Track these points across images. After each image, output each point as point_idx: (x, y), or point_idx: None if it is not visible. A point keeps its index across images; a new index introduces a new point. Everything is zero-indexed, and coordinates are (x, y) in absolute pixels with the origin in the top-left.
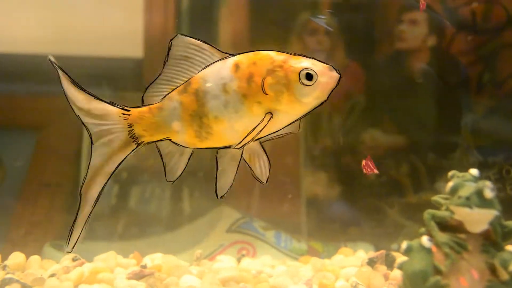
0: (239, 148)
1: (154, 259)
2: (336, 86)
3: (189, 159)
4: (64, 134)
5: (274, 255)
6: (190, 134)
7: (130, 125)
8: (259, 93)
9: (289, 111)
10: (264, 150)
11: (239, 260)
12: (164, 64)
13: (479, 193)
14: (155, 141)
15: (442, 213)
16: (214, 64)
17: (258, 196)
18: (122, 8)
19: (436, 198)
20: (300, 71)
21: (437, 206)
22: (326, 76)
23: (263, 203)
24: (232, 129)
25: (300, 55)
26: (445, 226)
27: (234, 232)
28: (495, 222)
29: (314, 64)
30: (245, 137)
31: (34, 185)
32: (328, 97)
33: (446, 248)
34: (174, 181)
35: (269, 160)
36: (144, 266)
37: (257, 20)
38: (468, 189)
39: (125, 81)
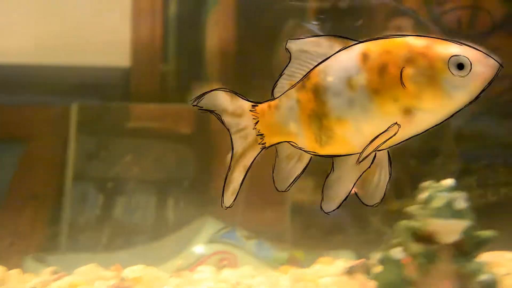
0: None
1: (134, 271)
2: (494, 78)
3: (305, 168)
4: (49, 145)
5: (255, 265)
6: (310, 137)
7: (257, 121)
8: (396, 87)
9: (434, 109)
10: (390, 160)
11: (219, 270)
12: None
13: (451, 204)
14: (277, 143)
15: (415, 223)
16: (337, 54)
17: (242, 204)
18: (109, 16)
19: (410, 208)
20: (450, 58)
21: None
22: (482, 65)
23: (247, 212)
24: (358, 132)
25: (444, 39)
26: (418, 236)
27: (216, 242)
28: (467, 233)
29: (465, 49)
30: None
31: (17, 196)
32: (483, 91)
33: (418, 259)
34: (285, 190)
35: (390, 174)
36: (123, 279)
37: (245, 27)
38: (440, 200)
39: (112, 91)
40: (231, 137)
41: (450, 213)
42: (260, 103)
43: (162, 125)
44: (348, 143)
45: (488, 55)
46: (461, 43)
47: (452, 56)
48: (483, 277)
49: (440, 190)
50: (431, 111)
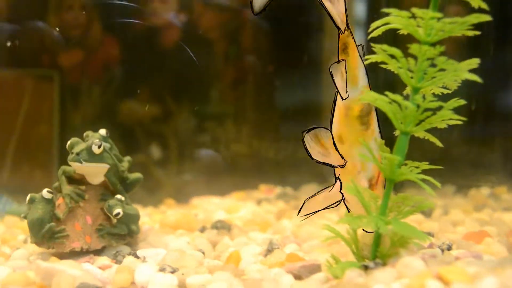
0: None
1: None
2: None
3: None
4: None
5: None
6: None
7: None
8: None
9: None
10: None
11: None
12: None
13: (89, 149)
14: None
15: (70, 168)
16: None
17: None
18: None
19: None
20: None
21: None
22: None
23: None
24: None
25: None
26: (72, 179)
27: None
28: (109, 175)
29: None
30: None
31: None
32: None
33: (67, 199)
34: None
35: None
36: None
37: None
38: (80, 146)
39: None
40: None
41: (88, 157)
42: None
43: None
44: None
45: None
46: None
47: None
48: (117, 210)
49: (90, 137)
50: None
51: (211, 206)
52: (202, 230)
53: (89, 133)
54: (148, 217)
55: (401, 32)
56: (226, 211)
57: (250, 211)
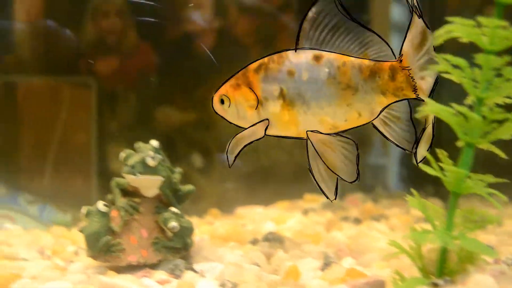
0: None
1: None
2: None
3: None
4: None
5: (37, 226)
6: None
7: None
8: None
9: None
10: None
11: None
12: None
13: (143, 161)
14: None
15: (123, 180)
16: None
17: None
18: None
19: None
20: None
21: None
22: None
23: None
24: None
25: None
26: (126, 192)
27: None
28: (164, 187)
29: None
30: None
31: None
32: None
33: (121, 211)
34: None
35: None
36: None
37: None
38: (134, 159)
39: None
40: None
41: (143, 170)
42: None
43: None
44: None
45: None
46: None
47: None
48: (172, 223)
49: (147, 149)
50: None
51: (257, 216)
52: (254, 242)
53: (140, 144)
54: (195, 228)
55: (463, 40)
56: (274, 221)
57: (297, 222)
